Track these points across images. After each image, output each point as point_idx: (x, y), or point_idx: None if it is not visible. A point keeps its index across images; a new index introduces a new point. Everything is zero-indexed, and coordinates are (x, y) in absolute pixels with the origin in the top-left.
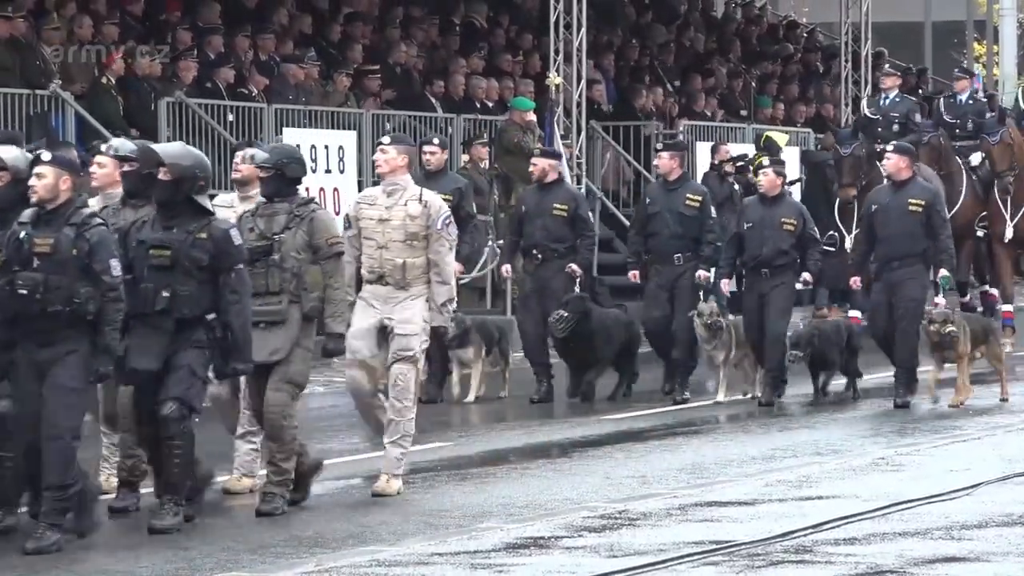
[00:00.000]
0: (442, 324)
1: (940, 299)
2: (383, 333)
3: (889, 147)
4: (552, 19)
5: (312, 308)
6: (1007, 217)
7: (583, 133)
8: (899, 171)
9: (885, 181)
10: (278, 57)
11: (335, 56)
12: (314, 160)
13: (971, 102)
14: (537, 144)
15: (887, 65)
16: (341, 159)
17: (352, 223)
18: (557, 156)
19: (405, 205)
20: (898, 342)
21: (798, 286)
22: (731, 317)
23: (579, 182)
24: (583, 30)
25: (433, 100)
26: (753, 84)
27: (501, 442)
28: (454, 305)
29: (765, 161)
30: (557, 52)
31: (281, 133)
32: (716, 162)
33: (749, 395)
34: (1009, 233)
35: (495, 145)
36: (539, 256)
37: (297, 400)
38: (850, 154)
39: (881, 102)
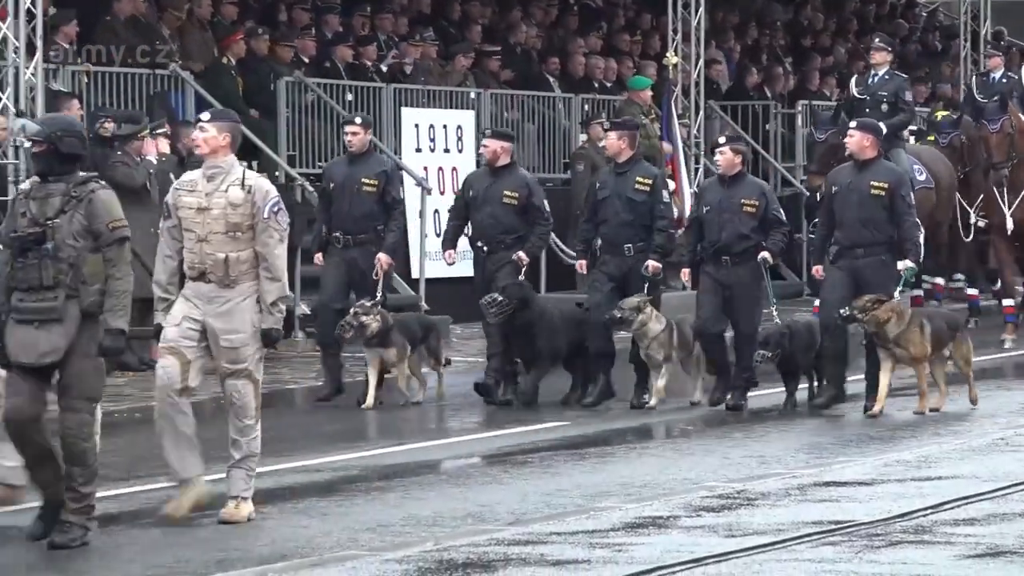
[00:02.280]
0: (273, 326)
1: (897, 293)
2: (204, 333)
3: (853, 123)
4: None
5: (92, 303)
6: (1005, 208)
7: (701, 113)
8: (862, 150)
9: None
10: (396, 36)
11: (454, 36)
12: (432, 140)
13: (1004, 80)
14: (652, 122)
15: (877, 40)
16: (460, 139)
17: (170, 212)
18: (509, 137)
19: (226, 191)
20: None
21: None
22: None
23: (697, 162)
24: (701, 9)
25: (551, 80)
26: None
27: (619, 422)
28: (286, 304)
29: (721, 140)
30: (675, 32)
31: (400, 112)
32: None
33: (692, 402)
34: (1010, 224)
35: None
36: (484, 247)
37: (96, 416)
38: (823, 140)
39: (870, 80)
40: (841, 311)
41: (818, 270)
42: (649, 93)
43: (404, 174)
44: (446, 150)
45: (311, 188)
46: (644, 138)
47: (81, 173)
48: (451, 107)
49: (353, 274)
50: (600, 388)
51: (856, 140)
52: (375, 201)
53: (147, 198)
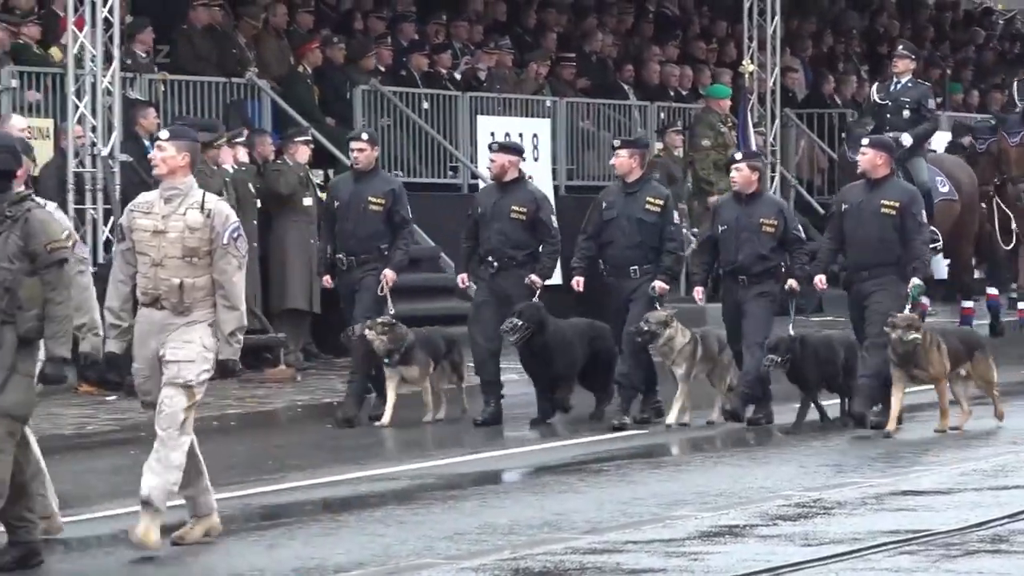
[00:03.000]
0: (231, 357)
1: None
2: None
3: (865, 141)
4: (746, 7)
5: (29, 329)
6: None
7: (777, 121)
8: (875, 168)
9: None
10: (471, 44)
11: (530, 44)
12: None
13: None
14: (729, 130)
15: (900, 47)
16: (535, 147)
17: (125, 234)
18: (518, 151)
19: (184, 214)
20: (868, 354)
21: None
22: (697, 330)
23: (773, 170)
24: (777, 17)
25: (627, 88)
26: (948, 71)
27: (694, 430)
28: (243, 335)
29: (738, 155)
30: (751, 39)
31: (476, 120)
32: None
33: (708, 420)
34: None
35: (688, 133)
36: (495, 264)
37: (16, 435)
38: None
39: (892, 87)
40: (885, 327)
41: (821, 280)
42: (728, 102)
43: (480, 182)
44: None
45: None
46: (720, 147)
47: (17, 191)
48: (526, 115)
49: None
50: (648, 403)
51: (869, 158)
52: (381, 220)
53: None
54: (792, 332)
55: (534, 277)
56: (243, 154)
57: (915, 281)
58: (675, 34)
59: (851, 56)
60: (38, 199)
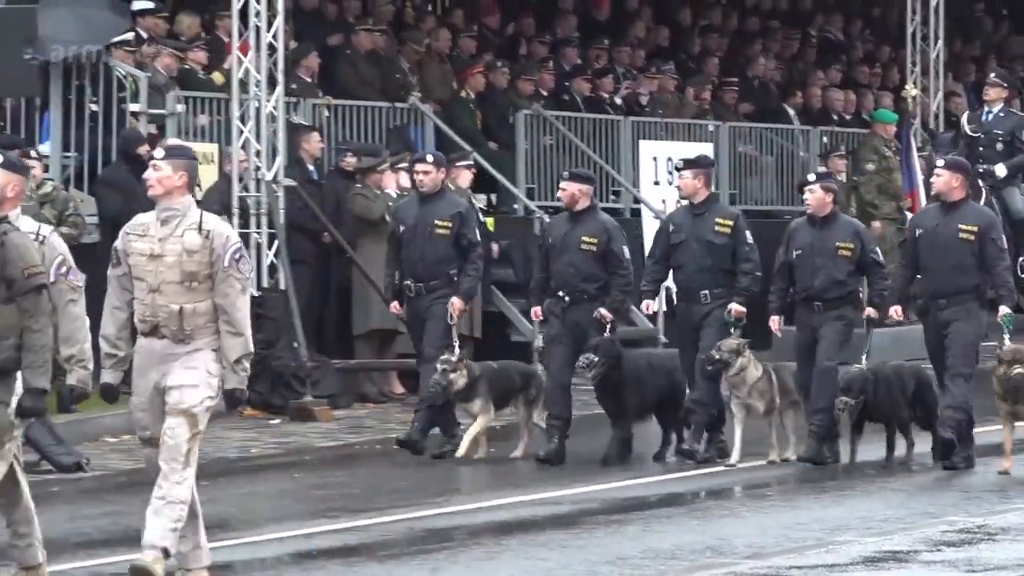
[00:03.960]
0: (237, 387)
1: (1008, 342)
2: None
3: (940, 162)
4: (909, 31)
5: (6, 359)
6: None
7: None
8: (950, 190)
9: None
10: (634, 69)
11: (692, 68)
12: (670, 172)
13: None
14: (893, 154)
15: (992, 75)
16: None
17: (120, 259)
18: (589, 180)
19: (182, 236)
20: (948, 388)
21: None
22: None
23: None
24: (940, 42)
25: (791, 112)
26: None
27: (859, 455)
28: (249, 362)
29: (811, 177)
30: (914, 64)
31: (638, 145)
32: None
33: (779, 459)
34: None
35: (852, 157)
36: (566, 298)
37: None
38: None
39: (984, 117)
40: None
41: (897, 311)
42: (893, 127)
43: (642, 207)
44: None
45: (549, 219)
46: (884, 171)
47: None
48: (689, 139)
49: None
50: (712, 442)
51: (944, 180)
52: (449, 245)
53: (384, 230)
54: (864, 365)
55: (603, 311)
56: (406, 179)
57: (1005, 310)
58: (838, 58)
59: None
60: (14, 222)
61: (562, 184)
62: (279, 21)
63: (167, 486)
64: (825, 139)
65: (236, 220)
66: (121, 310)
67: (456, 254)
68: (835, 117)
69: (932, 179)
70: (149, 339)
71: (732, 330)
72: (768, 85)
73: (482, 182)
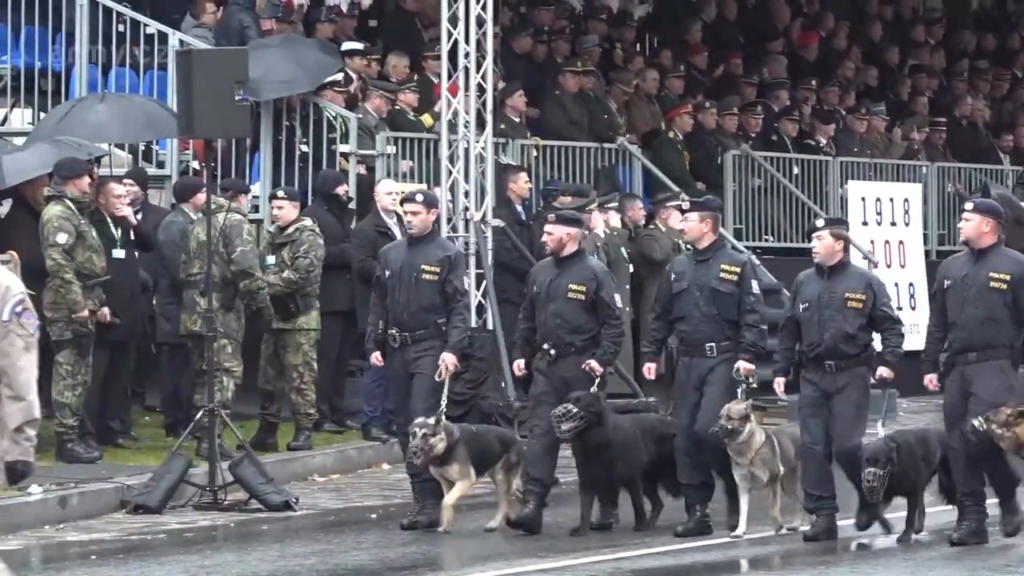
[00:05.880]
0: (20, 458)
1: None
2: None
3: (968, 205)
4: None
5: None
6: None
7: None
8: (980, 236)
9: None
10: (843, 109)
11: (900, 109)
12: (879, 213)
13: None
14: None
15: None
16: (907, 212)
17: None
18: (576, 223)
19: None
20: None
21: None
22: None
23: None
24: None
25: (1001, 154)
26: None
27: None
28: (34, 430)
29: (819, 223)
30: None
31: (846, 185)
32: None
33: (784, 529)
34: None
35: None
36: (552, 351)
37: None
38: None
39: None
40: (975, 424)
41: (932, 379)
42: None
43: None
44: (892, 223)
45: (757, 261)
46: None
47: None
48: (898, 180)
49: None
50: (696, 520)
51: (973, 225)
52: (436, 291)
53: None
54: (883, 430)
55: (593, 363)
56: (615, 219)
57: None
58: None
59: None
60: None
61: (547, 227)
62: (487, 62)
63: None
64: None
65: None
66: None
67: (443, 302)
68: None
69: (960, 224)
70: None
71: (740, 390)
72: (976, 124)
73: None
